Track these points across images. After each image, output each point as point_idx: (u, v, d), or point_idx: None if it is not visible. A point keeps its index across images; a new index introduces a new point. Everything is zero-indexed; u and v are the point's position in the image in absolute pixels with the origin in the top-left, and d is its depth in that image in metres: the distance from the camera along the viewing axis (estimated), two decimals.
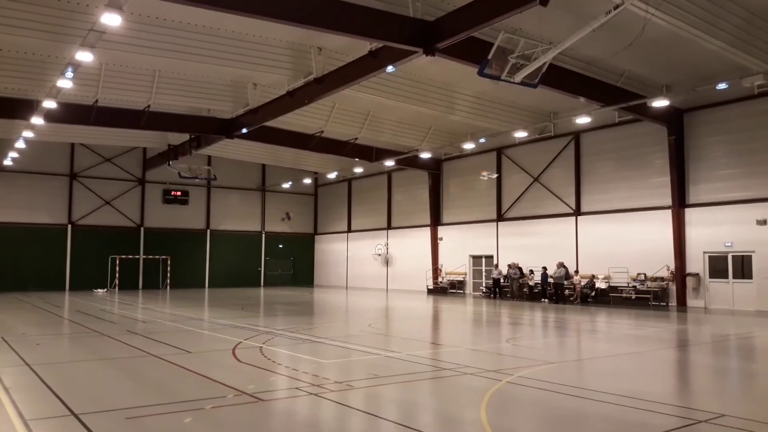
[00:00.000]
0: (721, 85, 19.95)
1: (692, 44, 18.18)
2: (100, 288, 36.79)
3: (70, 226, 37.72)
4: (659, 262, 25.11)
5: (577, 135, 28.93)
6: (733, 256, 23.50)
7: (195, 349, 12.35)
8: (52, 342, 13.93)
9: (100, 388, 8.65)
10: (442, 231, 36.65)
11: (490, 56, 14.99)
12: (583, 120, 24.90)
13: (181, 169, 35.61)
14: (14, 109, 24.39)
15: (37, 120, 24.64)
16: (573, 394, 8.33)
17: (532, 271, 29.73)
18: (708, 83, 20.73)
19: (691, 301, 24.38)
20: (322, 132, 30.03)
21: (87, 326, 16.66)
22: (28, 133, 27.46)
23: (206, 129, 29.23)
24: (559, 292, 26.99)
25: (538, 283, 28.91)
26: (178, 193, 41.50)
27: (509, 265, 30.34)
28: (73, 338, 14.81)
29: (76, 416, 6.90)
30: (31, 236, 36.30)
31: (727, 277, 23.65)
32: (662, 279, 25.07)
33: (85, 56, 17.61)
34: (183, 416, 6.89)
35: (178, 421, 6.70)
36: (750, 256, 22.95)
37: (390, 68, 18.71)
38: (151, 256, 40.09)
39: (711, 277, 24.10)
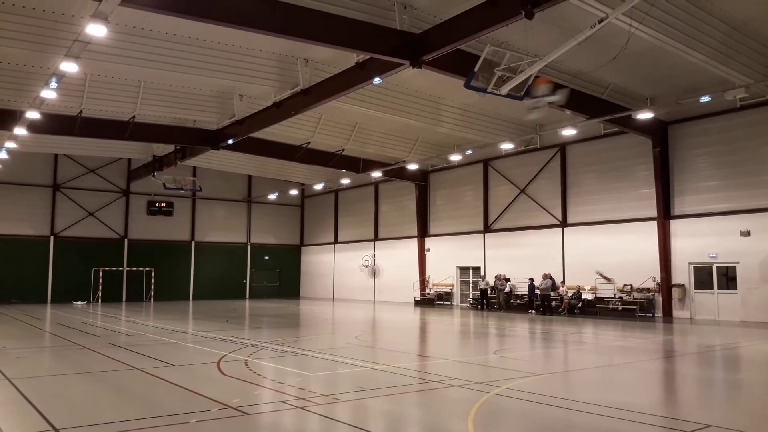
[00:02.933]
0: (704, 98, 20.21)
1: (675, 57, 18.42)
2: (80, 300, 36.27)
3: (52, 237, 37.28)
4: (645, 273, 25.25)
5: (563, 147, 29.13)
6: (717, 267, 23.70)
7: (179, 363, 12.19)
8: (33, 356, 13.69)
9: (82, 403, 8.51)
10: (429, 242, 36.66)
11: (476, 69, 15.07)
12: (568, 132, 25.09)
13: (166, 180, 35.37)
14: None
15: (20, 131, 24.38)
16: (560, 405, 8.31)
17: (509, 280, 29.84)
18: (691, 96, 21.01)
19: (677, 312, 24.52)
20: (309, 143, 30.00)
21: (69, 339, 16.41)
22: (10, 144, 27.15)
23: (192, 140, 29.08)
24: (546, 303, 27.03)
25: (525, 294, 28.97)
26: (163, 205, 41.19)
27: (496, 277, 30.40)
28: (55, 352, 14.58)
29: (57, 431, 6.76)
30: (13, 248, 35.80)
31: (712, 287, 23.83)
32: (648, 290, 25.20)
33: (69, 67, 17.45)
34: (167, 430, 6.78)
35: None
36: (734, 267, 23.15)
37: (377, 80, 18.74)
38: (134, 268, 39.69)
39: (696, 287, 24.27)
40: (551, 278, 27.30)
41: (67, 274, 37.14)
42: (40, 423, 7.16)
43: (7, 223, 35.89)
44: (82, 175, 38.39)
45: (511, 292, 29.87)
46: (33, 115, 22.65)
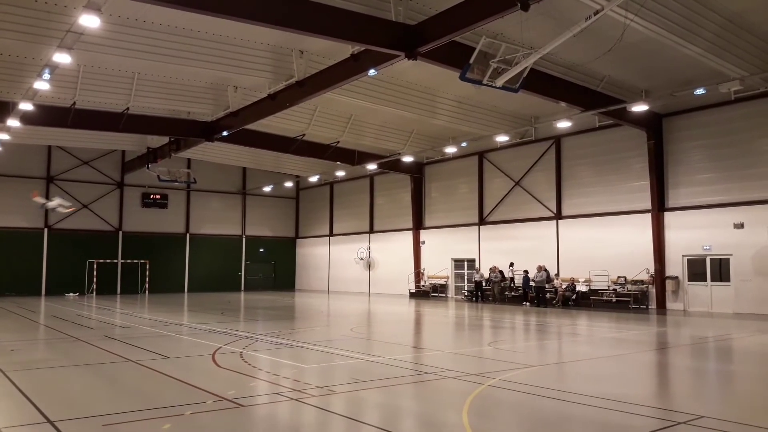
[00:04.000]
0: (699, 91, 20.26)
1: (670, 50, 18.43)
2: (72, 292, 36.20)
3: (46, 230, 37.14)
4: (639, 265, 25.34)
5: (557, 139, 29.15)
6: (711, 259, 23.80)
7: (174, 355, 12.19)
8: (27, 348, 13.67)
9: (76, 395, 8.50)
10: (424, 235, 36.68)
11: (471, 60, 15.04)
12: (563, 124, 25.10)
13: (161, 172, 35.23)
14: None
15: (13, 122, 24.25)
16: (554, 396, 8.35)
17: (512, 264, 29.69)
18: (686, 89, 21.03)
19: (671, 304, 24.65)
20: (304, 135, 29.93)
21: (63, 331, 16.38)
22: (3, 136, 27.02)
23: (186, 132, 28.96)
24: (540, 295, 27.11)
25: (519, 286, 29.05)
26: (158, 197, 41.06)
27: (491, 269, 30.44)
28: (49, 343, 14.55)
29: (51, 423, 6.75)
30: (7, 240, 35.66)
31: (705, 280, 23.94)
32: (642, 282, 25.30)
33: (62, 58, 17.37)
34: (162, 423, 6.78)
35: (157, 428, 6.59)
36: (728, 259, 23.26)
37: (372, 72, 18.70)
38: (129, 261, 39.61)
39: (690, 280, 24.38)
40: (546, 270, 27.37)
41: (61, 267, 37.03)
42: (34, 415, 7.15)
43: (0, 215, 35.71)
44: (76, 167, 38.21)
45: (512, 278, 29.74)
46: (26, 106, 22.52)
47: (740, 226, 22.85)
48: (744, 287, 22.70)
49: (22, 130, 27.31)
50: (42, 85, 19.73)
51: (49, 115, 24.98)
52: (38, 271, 36.68)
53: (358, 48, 18.24)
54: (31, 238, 36.61)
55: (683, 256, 24.50)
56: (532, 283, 27.63)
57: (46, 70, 18.76)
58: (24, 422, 6.94)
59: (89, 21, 14.51)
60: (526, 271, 28.22)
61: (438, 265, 35.25)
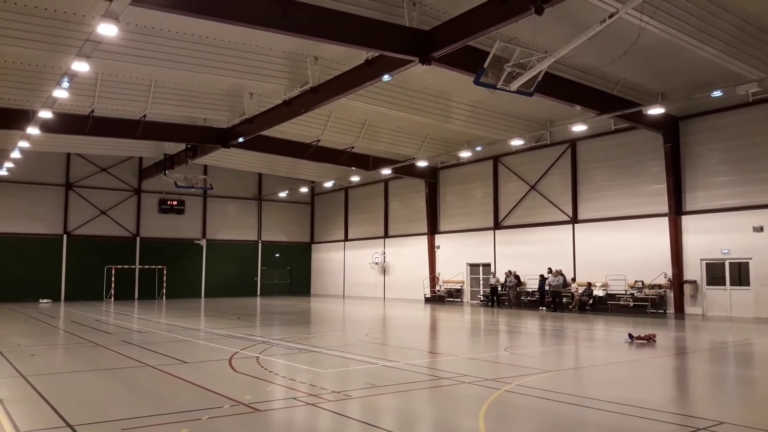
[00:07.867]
0: (716, 93, 20.02)
1: (687, 52, 18.29)
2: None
3: (65, 236, 37.58)
4: (657, 269, 25.11)
5: (573, 143, 29.00)
6: (730, 263, 23.53)
7: (191, 360, 12.27)
8: (47, 353, 13.84)
9: (95, 399, 8.59)
10: (439, 239, 36.63)
11: (485, 65, 15.03)
12: (579, 128, 24.97)
13: (177, 178, 35.57)
14: (10, 119, 24.37)
15: (32, 130, 24.60)
16: (571, 402, 8.29)
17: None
18: (703, 91, 20.82)
19: (689, 309, 24.38)
20: (319, 141, 30.05)
21: (82, 337, 16.55)
22: (23, 143, 27.41)
23: (202, 138, 29.21)
24: (557, 300, 26.95)
25: (535, 291, 28.89)
26: (174, 203, 41.41)
27: (506, 273, 30.32)
28: (69, 349, 14.71)
29: (71, 428, 6.84)
30: (27, 246, 36.15)
31: (724, 284, 23.67)
32: (660, 286, 25.06)
33: (81, 66, 17.59)
34: (179, 427, 6.83)
35: None
36: (747, 263, 22.97)
37: (386, 77, 18.73)
38: (146, 266, 39.95)
39: (708, 284, 24.12)
40: (562, 275, 27.21)
41: (80, 272, 37.43)
42: (54, 419, 7.24)
43: (20, 221, 36.22)
44: (94, 173, 38.66)
45: (520, 287, 29.65)
46: (45, 114, 22.84)
47: (759, 229, 22.57)
48: (764, 291, 22.39)
49: (41, 138, 27.70)
50: (61, 93, 19.99)
51: (67, 123, 25.33)
52: (57, 277, 37.10)
53: (372, 54, 18.30)
54: (51, 244, 37.06)
55: (701, 260, 24.24)
56: (548, 288, 27.49)
57: (65, 79, 19.02)
58: (44, 426, 7.02)
59: (107, 30, 14.68)
60: (542, 276, 28.07)
61: (453, 269, 35.17)
